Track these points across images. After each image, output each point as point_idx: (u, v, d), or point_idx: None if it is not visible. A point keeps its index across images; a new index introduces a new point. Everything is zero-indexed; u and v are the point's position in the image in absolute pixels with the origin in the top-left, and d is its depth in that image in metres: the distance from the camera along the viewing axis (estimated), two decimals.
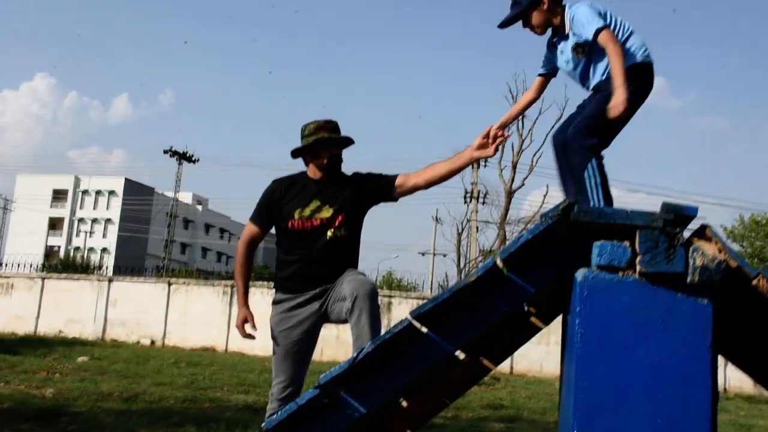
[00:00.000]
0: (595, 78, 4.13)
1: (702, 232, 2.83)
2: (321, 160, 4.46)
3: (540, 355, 22.72)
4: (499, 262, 2.84)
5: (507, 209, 32.26)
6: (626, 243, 2.75)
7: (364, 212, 4.57)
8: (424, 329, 2.91)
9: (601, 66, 4.08)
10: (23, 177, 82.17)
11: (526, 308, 3.17)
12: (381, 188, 4.51)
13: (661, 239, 2.72)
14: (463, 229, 33.64)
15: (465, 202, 35.37)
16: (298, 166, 4.67)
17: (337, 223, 4.39)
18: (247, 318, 4.57)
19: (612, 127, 3.99)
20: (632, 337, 2.71)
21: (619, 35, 4.02)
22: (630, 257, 2.74)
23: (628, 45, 4.04)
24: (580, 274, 2.74)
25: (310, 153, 4.48)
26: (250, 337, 4.55)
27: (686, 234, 2.80)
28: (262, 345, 25.41)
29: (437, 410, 4.00)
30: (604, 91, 3.98)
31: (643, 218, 2.74)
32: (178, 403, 14.66)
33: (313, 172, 4.52)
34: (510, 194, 31.99)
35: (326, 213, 4.39)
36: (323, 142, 4.43)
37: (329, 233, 4.38)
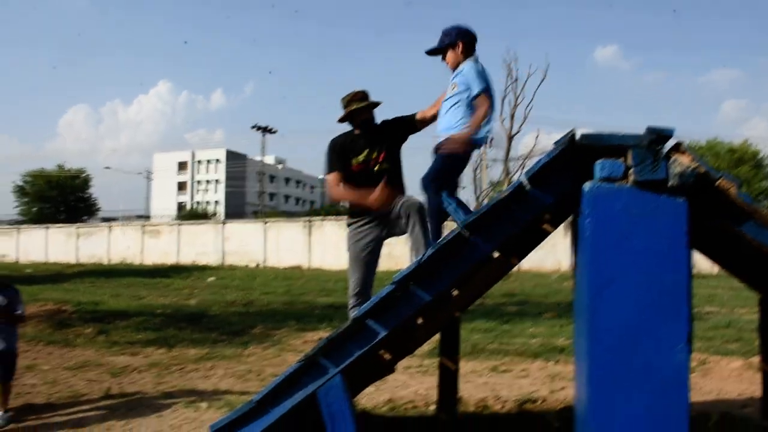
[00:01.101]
0: (443, 124, 3.86)
1: (677, 147, 2.65)
2: (357, 123, 4.40)
3: (540, 257, 22.55)
4: (524, 181, 2.70)
5: (508, 150, 31.60)
6: (621, 160, 2.59)
7: (399, 146, 4.48)
8: (470, 234, 2.79)
9: (452, 116, 3.80)
10: (157, 155, 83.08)
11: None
12: (406, 124, 4.42)
13: (648, 154, 2.56)
14: (477, 167, 33.07)
15: None
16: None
17: (381, 159, 4.32)
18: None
19: (451, 173, 3.83)
20: (628, 229, 2.57)
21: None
22: (624, 170, 2.58)
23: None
24: (586, 185, 2.59)
25: (348, 119, 4.40)
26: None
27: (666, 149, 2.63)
28: (335, 262, 25.54)
29: (475, 298, 3.91)
30: (441, 151, 3.75)
31: (633, 139, 2.57)
32: (280, 305, 14.88)
33: (356, 131, 4.43)
34: (510, 138, 31.33)
35: (373, 155, 4.33)
36: (354, 113, 4.35)
37: (376, 168, 4.31)
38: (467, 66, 3.82)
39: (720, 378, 7.02)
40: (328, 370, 2.88)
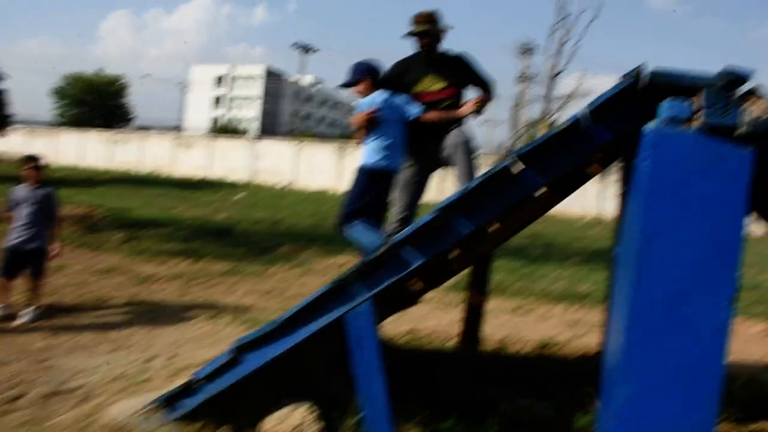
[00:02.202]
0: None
1: (753, 92, 2.43)
2: (420, 45, 4.14)
3: (567, 201, 21.99)
4: (584, 114, 2.52)
5: (549, 88, 30.58)
6: (689, 101, 2.39)
7: (461, 89, 4.22)
8: (522, 166, 2.64)
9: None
10: (195, 67, 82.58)
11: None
12: (473, 82, 4.19)
13: (721, 97, 2.36)
14: (516, 104, 32.15)
15: (519, 82, 34.44)
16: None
17: (449, 95, 4.09)
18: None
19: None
20: (690, 176, 2.40)
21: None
22: (690, 113, 2.39)
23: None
24: (649, 125, 2.41)
25: (414, 38, 4.15)
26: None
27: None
28: None
29: (513, 234, 3.79)
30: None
31: (707, 79, 2.36)
32: (307, 227, 14.94)
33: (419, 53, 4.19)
34: (552, 77, 30.26)
35: (434, 85, 4.08)
36: (416, 35, 4.10)
37: (442, 105, 4.07)
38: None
39: (743, 340, 6.90)
40: (358, 295, 2.82)
